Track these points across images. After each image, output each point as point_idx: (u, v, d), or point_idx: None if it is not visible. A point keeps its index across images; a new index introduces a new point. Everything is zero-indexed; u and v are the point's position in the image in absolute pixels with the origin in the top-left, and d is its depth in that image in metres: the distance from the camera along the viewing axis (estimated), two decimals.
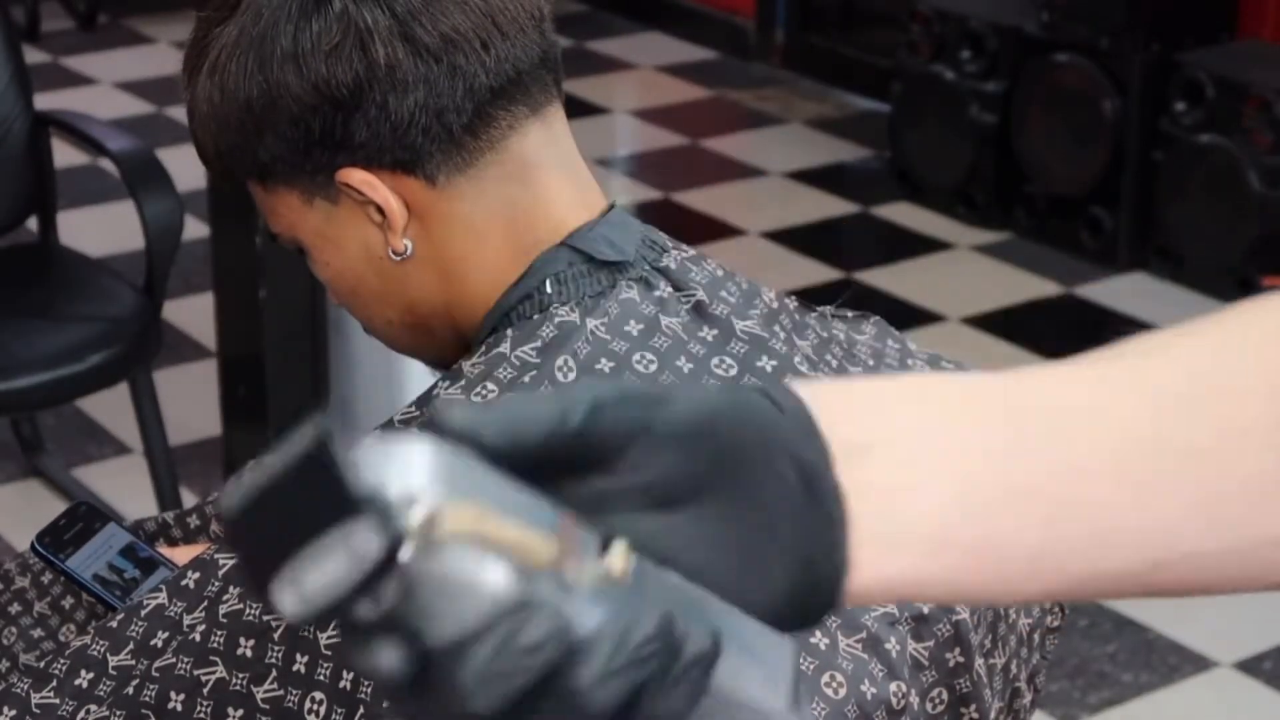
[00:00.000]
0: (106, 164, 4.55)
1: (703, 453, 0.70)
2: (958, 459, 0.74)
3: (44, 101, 3.76)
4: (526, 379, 1.27)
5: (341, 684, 1.22)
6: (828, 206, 4.99)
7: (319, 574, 0.59)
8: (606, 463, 0.69)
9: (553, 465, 0.68)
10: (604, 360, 1.29)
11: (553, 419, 0.68)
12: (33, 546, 1.48)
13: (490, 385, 1.27)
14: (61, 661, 1.30)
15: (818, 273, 4.57)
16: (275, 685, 1.25)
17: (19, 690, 1.30)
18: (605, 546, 0.65)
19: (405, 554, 0.60)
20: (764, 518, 0.70)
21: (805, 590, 0.71)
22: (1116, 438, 0.76)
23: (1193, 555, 0.76)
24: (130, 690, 1.28)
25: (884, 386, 0.76)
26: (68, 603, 1.57)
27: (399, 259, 1.32)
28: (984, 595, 0.81)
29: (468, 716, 0.62)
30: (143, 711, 1.27)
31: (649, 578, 0.66)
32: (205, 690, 1.26)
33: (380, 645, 0.62)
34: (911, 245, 4.73)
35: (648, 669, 0.64)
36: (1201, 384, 0.78)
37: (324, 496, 0.58)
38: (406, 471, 0.61)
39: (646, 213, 4.83)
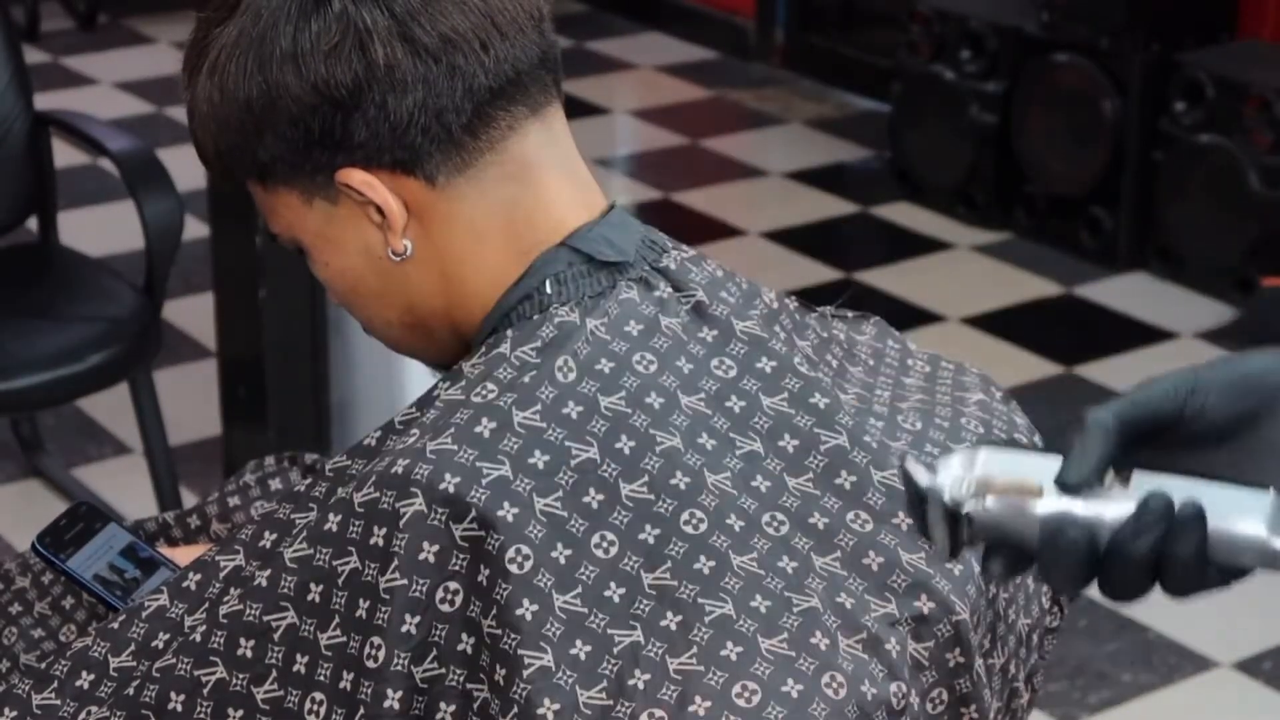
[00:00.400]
0: (106, 164, 4.55)
1: (1241, 402, 1.04)
2: None
3: (44, 101, 3.76)
4: (526, 379, 1.27)
5: (341, 685, 1.22)
6: (828, 206, 4.99)
7: (936, 535, 1.04)
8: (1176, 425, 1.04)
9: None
10: (604, 360, 1.29)
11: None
12: (33, 547, 1.48)
13: (490, 385, 1.27)
14: (63, 663, 1.30)
15: (818, 273, 4.57)
16: (275, 686, 1.25)
17: (20, 691, 1.30)
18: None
19: (968, 508, 1.03)
20: None
21: None
22: None
23: None
24: (131, 691, 1.28)
25: None
26: (68, 603, 1.57)
27: (398, 259, 1.32)
28: None
29: (1058, 588, 1.21)
30: (143, 712, 1.27)
31: (1145, 479, 1.02)
32: (205, 691, 1.26)
33: (991, 560, 1.04)
34: (911, 245, 4.73)
35: (1157, 528, 0.99)
36: None
37: (918, 499, 1.05)
38: (949, 467, 1.04)
39: (646, 213, 4.83)
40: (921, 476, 1.04)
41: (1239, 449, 1.04)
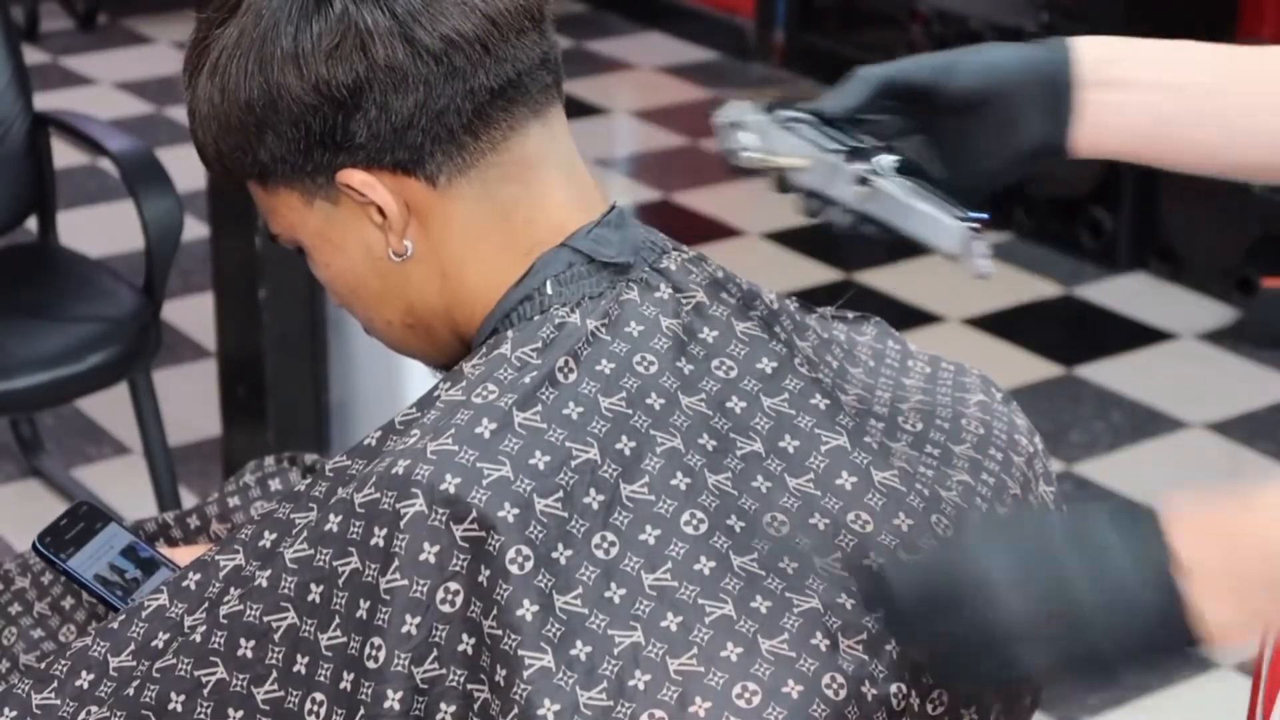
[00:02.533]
0: (106, 164, 4.55)
1: (980, 83, 1.29)
2: (1158, 101, 1.32)
3: (44, 101, 3.76)
4: (527, 379, 1.27)
5: (342, 685, 1.22)
6: None
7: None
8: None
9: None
10: (604, 361, 1.29)
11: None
12: (34, 546, 1.48)
13: (491, 386, 1.27)
14: (63, 662, 1.30)
15: (818, 273, 4.57)
16: (275, 686, 1.25)
17: (20, 691, 1.30)
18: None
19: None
20: (1017, 121, 1.30)
21: (1042, 155, 1.33)
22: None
23: None
24: (131, 691, 1.28)
25: (1138, 50, 1.41)
26: (68, 603, 1.57)
27: (399, 260, 1.32)
28: (1167, 166, 1.33)
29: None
30: (143, 712, 1.27)
31: (880, 186, 1.29)
32: (205, 691, 1.26)
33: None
34: (911, 246, 4.71)
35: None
36: None
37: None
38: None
39: (646, 213, 4.83)
40: (724, 138, 1.36)
41: (971, 119, 1.30)
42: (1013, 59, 1.31)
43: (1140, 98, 1.31)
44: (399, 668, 1.21)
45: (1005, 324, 4.32)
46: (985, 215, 1.32)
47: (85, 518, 1.50)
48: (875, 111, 1.32)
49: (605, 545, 1.23)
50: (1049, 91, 1.30)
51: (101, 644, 1.29)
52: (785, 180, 1.33)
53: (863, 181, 1.31)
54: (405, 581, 1.21)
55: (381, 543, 1.22)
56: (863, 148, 1.31)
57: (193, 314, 4.21)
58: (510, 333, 1.31)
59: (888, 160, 1.31)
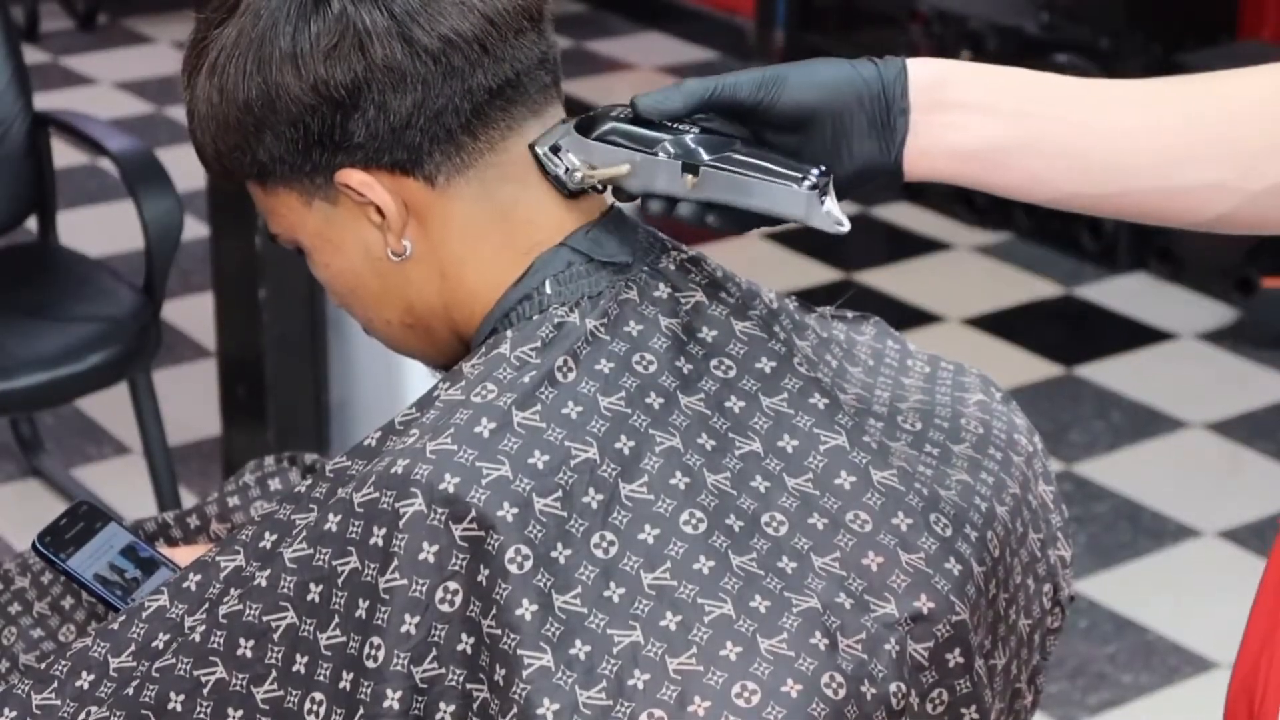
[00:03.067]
0: (106, 164, 4.55)
1: (809, 99, 1.27)
2: (990, 126, 1.27)
3: (44, 101, 3.76)
4: (526, 379, 1.27)
5: (341, 685, 1.22)
6: None
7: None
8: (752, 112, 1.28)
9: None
10: (603, 361, 1.29)
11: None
12: (34, 546, 1.48)
13: (490, 386, 1.27)
14: (63, 663, 1.30)
15: (818, 273, 4.57)
16: (275, 686, 1.25)
17: (20, 691, 1.30)
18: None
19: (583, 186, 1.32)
20: (847, 139, 1.28)
21: (872, 176, 1.29)
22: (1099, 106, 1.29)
23: (1146, 190, 1.37)
24: (130, 691, 1.28)
25: (971, 75, 1.29)
26: (67, 603, 1.57)
27: (398, 260, 1.32)
28: (993, 191, 1.31)
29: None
30: (143, 712, 1.27)
31: (710, 175, 1.28)
32: (205, 691, 1.26)
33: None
34: (911, 246, 4.73)
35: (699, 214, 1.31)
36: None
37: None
38: (567, 158, 1.31)
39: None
40: (548, 166, 1.31)
41: (798, 136, 1.29)
42: (841, 77, 1.28)
43: (971, 121, 1.27)
44: (398, 667, 1.21)
45: (1005, 324, 4.32)
46: (822, 168, 1.27)
47: (85, 517, 1.50)
48: (700, 122, 1.29)
49: (604, 544, 1.23)
50: (878, 110, 1.28)
51: (102, 644, 1.29)
52: (622, 190, 1.30)
53: (690, 170, 1.28)
54: (404, 581, 1.21)
55: (381, 542, 1.22)
56: (679, 134, 1.28)
57: (193, 314, 4.21)
58: (509, 332, 1.31)
59: (703, 138, 1.28)
